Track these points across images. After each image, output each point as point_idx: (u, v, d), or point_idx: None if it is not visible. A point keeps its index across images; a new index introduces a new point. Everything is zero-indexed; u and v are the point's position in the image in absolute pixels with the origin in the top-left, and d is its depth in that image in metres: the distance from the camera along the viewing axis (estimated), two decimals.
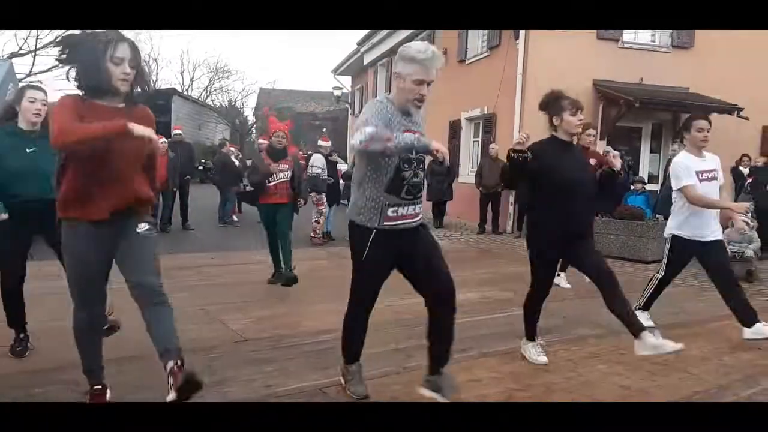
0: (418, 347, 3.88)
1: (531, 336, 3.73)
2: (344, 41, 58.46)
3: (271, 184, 5.57)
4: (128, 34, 2.52)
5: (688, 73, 11.05)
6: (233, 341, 3.96)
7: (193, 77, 36.89)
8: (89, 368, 2.70)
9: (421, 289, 2.86)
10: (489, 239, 10.44)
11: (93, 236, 2.49)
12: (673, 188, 4.23)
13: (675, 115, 11.23)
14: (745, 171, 9.97)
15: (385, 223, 2.72)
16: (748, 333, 4.06)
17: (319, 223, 9.18)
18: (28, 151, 3.24)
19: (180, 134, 11.08)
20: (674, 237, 4.26)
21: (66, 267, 2.59)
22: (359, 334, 3.02)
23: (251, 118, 35.76)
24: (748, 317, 4.08)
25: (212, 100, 34.51)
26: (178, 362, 2.36)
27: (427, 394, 2.82)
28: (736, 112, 10.39)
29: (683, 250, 4.25)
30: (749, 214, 7.08)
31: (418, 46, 2.66)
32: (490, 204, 10.91)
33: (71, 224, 2.50)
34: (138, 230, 2.56)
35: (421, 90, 2.65)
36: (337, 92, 22.74)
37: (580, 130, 3.46)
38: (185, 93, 31.81)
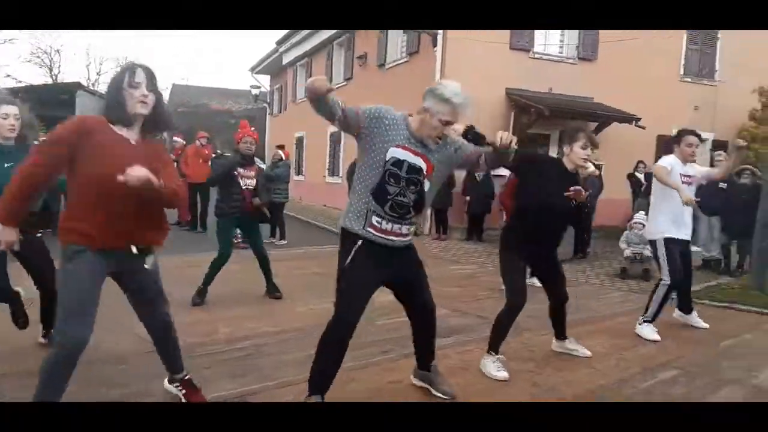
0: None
1: (495, 349, 3.64)
2: (262, 40, 57.39)
3: (245, 189, 5.26)
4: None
5: (593, 84, 11.76)
6: (146, 351, 3.78)
7: (100, 71, 34.91)
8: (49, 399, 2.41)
9: (406, 307, 3.05)
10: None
11: (96, 262, 2.46)
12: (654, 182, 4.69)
13: (581, 124, 11.92)
14: (641, 176, 10.72)
15: (369, 229, 2.71)
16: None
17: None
18: (6, 165, 3.20)
19: None
20: (666, 239, 4.53)
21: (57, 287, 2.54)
22: (333, 357, 2.77)
23: None
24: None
25: None
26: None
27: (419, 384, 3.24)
28: (634, 121, 11.16)
29: (675, 249, 4.55)
30: (646, 217, 7.64)
31: (454, 89, 2.68)
32: None
33: (74, 249, 2.43)
34: (146, 266, 2.63)
35: (446, 130, 2.72)
36: (255, 91, 22.29)
37: (584, 164, 3.67)
38: (91, 87, 30.03)
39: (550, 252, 3.76)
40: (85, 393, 2.93)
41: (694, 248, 9.37)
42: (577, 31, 11.88)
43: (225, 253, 5.21)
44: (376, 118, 2.66)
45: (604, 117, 11.35)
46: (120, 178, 2.25)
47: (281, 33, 19.39)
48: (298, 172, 18.98)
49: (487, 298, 5.73)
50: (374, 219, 2.70)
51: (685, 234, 4.61)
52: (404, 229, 2.79)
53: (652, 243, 4.68)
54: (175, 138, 12.72)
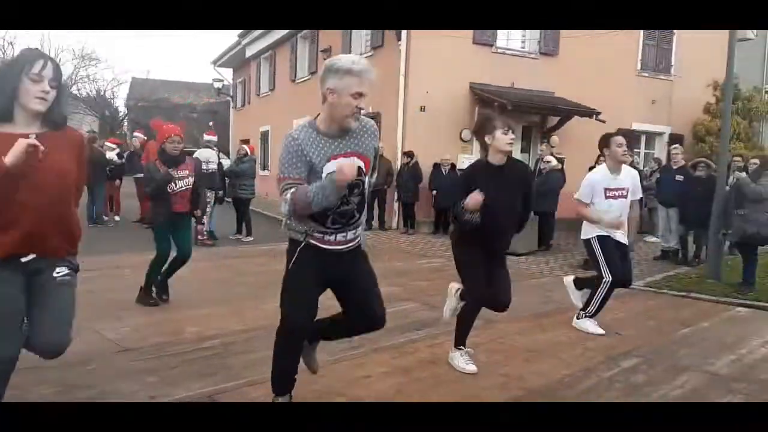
0: None
1: (462, 344, 3.65)
2: (224, 33, 56.35)
3: (172, 192, 4.89)
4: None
5: (554, 79, 11.97)
6: (111, 351, 3.72)
7: None
8: None
9: (349, 314, 2.76)
10: (375, 235, 10.63)
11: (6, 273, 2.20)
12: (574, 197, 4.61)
13: (543, 118, 12.13)
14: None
15: (311, 241, 2.56)
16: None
17: (203, 223, 8.84)
18: None
19: None
20: (599, 237, 4.47)
21: None
22: (290, 358, 2.70)
23: (123, 110, 33.51)
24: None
25: (78, 90, 31.83)
26: None
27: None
28: (594, 115, 11.41)
29: (610, 246, 4.47)
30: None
31: (350, 57, 2.50)
32: (376, 201, 11.11)
33: None
34: (55, 275, 2.31)
35: (359, 102, 2.46)
36: (217, 84, 21.97)
37: (510, 149, 3.45)
38: None
39: (498, 253, 3.63)
40: (55, 396, 2.86)
41: (652, 239, 9.71)
42: None
43: (163, 251, 4.96)
44: (296, 159, 2.45)
45: (565, 111, 11.59)
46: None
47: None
48: (264, 168, 18.76)
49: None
50: (316, 235, 2.55)
51: (620, 237, 4.53)
52: (350, 234, 2.62)
53: (586, 243, 4.60)
54: (135, 133, 12.46)
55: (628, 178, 4.52)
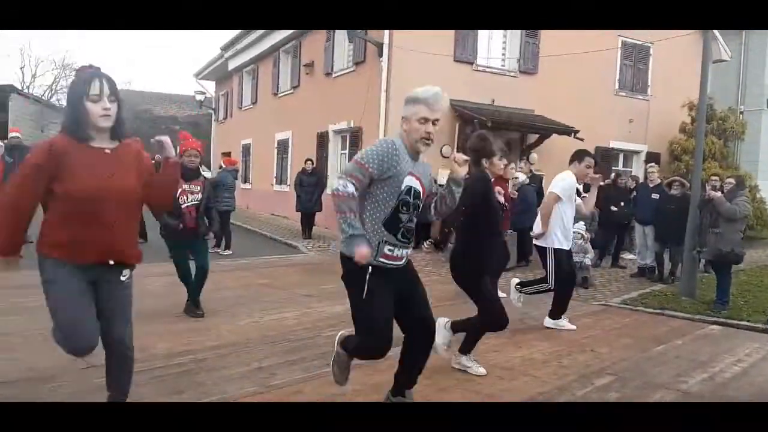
0: (282, 365, 3.86)
1: (470, 350, 3.91)
2: (207, 45, 56.16)
3: (183, 206, 4.98)
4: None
5: (533, 97, 12.12)
6: (78, 368, 3.63)
7: (35, 74, 33.47)
8: None
9: (405, 322, 2.89)
10: None
11: (79, 276, 2.46)
12: (551, 190, 5.03)
13: (522, 135, 12.25)
14: (581, 187, 11.05)
15: (381, 260, 2.70)
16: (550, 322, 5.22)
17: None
18: None
19: (18, 137, 9.89)
20: (557, 251, 4.94)
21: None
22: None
23: None
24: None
25: (58, 100, 31.47)
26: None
27: None
28: (573, 134, 11.55)
29: (566, 261, 5.03)
30: (584, 227, 7.91)
31: (423, 88, 2.71)
32: None
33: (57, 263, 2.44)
34: (122, 278, 2.60)
35: (427, 128, 2.68)
36: (199, 97, 21.92)
37: (501, 172, 4.01)
38: (25, 91, 28.72)
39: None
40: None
41: (629, 256, 9.81)
42: (518, 44, 12.23)
43: (181, 263, 5.19)
44: (384, 160, 2.62)
45: (544, 129, 11.72)
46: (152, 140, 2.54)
47: (226, 38, 19.10)
48: (245, 180, 18.68)
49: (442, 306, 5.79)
50: (386, 249, 2.71)
51: (569, 245, 5.15)
52: (408, 252, 2.84)
53: (542, 250, 5.07)
54: None
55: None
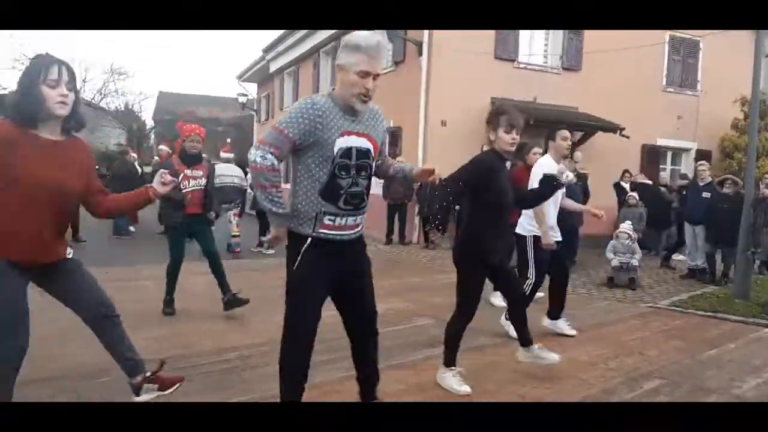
0: (321, 363, 3.87)
1: (452, 362, 3.52)
2: (249, 48, 57.29)
3: (185, 191, 4.93)
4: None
5: (577, 94, 11.87)
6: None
7: (85, 78, 34.59)
8: None
9: (346, 317, 2.73)
10: (396, 250, 10.61)
11: (17, 274, 2.35)
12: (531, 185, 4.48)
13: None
14: (626, 186, 10.81)
15: (321, 231, 2.46)
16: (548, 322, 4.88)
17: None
18: None
19: None
20: (535, 237, 4.52)
21: None
22: (295, 376, 2.59)
23: (150, 123, 34.16)
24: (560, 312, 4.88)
25: (107, 103, 32.58)
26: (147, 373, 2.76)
27: None
28: (618, 131, 11.27)
29: (544, 250, 4.51)
30: (632, 227, 7.72)
31: (364, 34, 2.40)
32: (396, 215, 11.09)
33: None
34: (68, 256, 2.53)
35: (366, 83, 2.38)
36: (242, 99, 22.29)
37: (512, 149, 3.39)
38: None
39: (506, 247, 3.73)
40: None
41: (679, 257, 9.50)
42: (561, 41, 12.01)
43: (175, 258, 5.09)
44: (304, 123, 2.36)
45: (588, 127, 11.47)
46: (150, 194, 2.59)
47: (267, 41, 19.38)
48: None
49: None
50: (326, 219, 2.46)
51: (558, 237, 4.64)
52: (358, 219, 2.56)
53: (521, 238, 4.62)
54: (161, 146, 12.66)
55: (562, 168, 4.54)
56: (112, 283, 6.20)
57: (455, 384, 3.46)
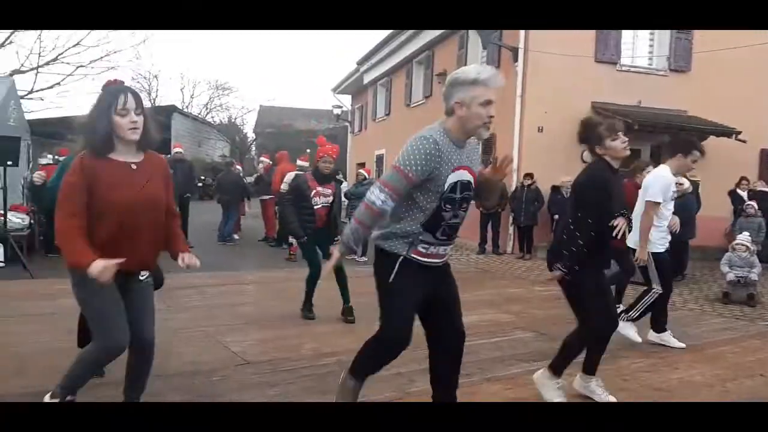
0: (421, 371, 3.85)
1: (560, 372, 3.44)
2: (344, 61, 58.90)
3: (315, 207, 5.26)
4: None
5: (686, 96, 11.15)
6: (235, 364, 3.93)
7: (193, 94, 37.16)
8: (74, 388, 2.63)
9: (431, 330, 2.75)
10: (489, 259, 10.43)
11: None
12: (645, 198, 4.40)
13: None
14: (744, 194, 10.01)
15: (413, 255, 2.54)
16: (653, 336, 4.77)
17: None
18: None
19: (180, 152, 11.13)
20: (655, 254, 4.49)
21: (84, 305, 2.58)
22: (366, 376, 2.85)
23: (251, 135, 35.92)
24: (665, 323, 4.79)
25: (212, 117, 34.71)
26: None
27: None
28: (734, 135, 10.47)
29: (666, 262, 4.57)
30: (750, 238, 7.12)
31: (474, 68, 2.51)
32: (490, 224, 10.91)
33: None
34: (141, 278, 2.63)
35: (489, 111, 2.46)
36: (336, 110, 22.89)
37: (627, 152, 3.26)
38: (185, 110, 31.98)
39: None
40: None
41: None
42: (668, 41, 11.35)
43: (313, 269, 5.31)
44: (427, 162, 2.41)
45: (698, 131, 10.71)
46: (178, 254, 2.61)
47: (362, 53, 19.81)
48: None
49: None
50: (421, 246, 2.54)
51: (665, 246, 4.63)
52: (448, 249, 2.65)
53: (634, 251, 4.52)
54: (261, 158, 13.28)
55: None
56: (217, 288, 6.60)
57: (555, 396, 3.37)
